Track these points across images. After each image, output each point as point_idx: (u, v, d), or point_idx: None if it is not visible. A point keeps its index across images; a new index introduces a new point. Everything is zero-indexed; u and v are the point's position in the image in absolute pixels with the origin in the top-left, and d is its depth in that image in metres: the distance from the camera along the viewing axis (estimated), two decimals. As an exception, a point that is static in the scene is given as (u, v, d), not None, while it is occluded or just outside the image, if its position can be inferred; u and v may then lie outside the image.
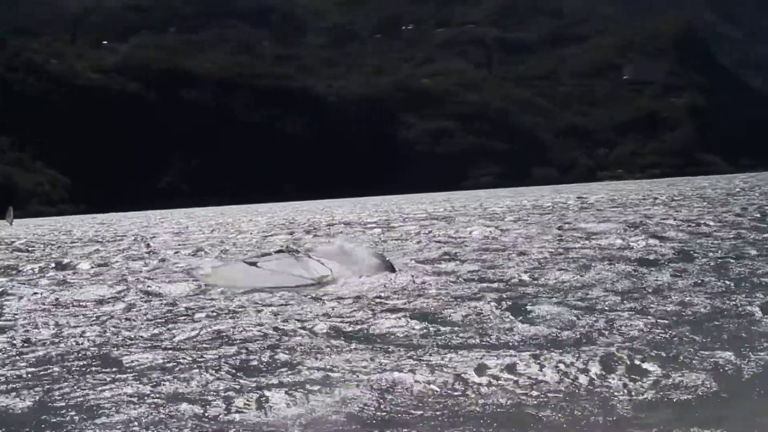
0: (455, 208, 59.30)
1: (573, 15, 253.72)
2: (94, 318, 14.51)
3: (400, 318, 12.31)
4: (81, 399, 8.85)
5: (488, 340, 10.66)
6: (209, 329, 12.44)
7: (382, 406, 8.10)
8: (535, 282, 15.79)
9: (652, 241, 22.21)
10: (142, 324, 13.51)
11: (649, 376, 8.45)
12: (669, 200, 52.92)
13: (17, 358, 11.15)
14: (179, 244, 37.08)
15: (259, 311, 14.12)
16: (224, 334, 12.02)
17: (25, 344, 12.10)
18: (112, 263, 26.91)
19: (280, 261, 18.71)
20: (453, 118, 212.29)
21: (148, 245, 36.96)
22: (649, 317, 11.40)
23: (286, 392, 8.68)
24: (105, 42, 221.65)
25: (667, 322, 11.07)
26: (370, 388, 8.63)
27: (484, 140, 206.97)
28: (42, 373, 10.18)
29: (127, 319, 14.19)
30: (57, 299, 17.43)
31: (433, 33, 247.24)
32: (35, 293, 18.64)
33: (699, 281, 14.70)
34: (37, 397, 9.22)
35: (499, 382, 8.58)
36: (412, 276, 17.21)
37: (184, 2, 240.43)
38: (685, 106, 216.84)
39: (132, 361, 10.47)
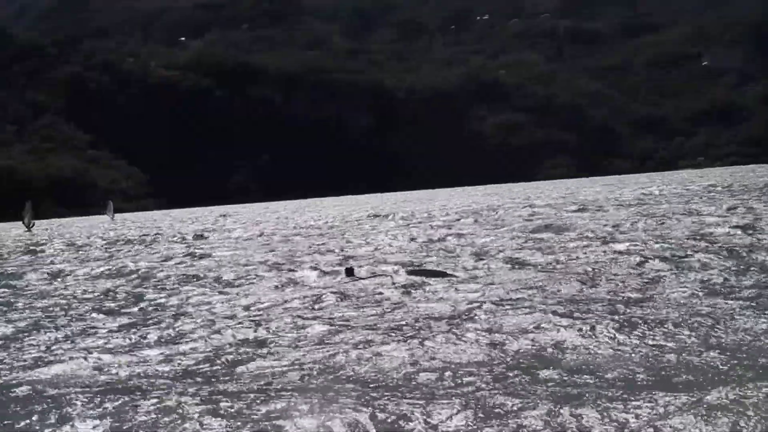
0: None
1: (646, 4, 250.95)
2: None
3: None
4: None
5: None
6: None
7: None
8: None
9: None
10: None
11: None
12: None
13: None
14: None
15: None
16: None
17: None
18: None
19: None
20: (525, 110, 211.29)
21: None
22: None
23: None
24: (178, 40, 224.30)
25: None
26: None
27: (557, 132, 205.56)
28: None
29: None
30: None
31: (505, 25, 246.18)
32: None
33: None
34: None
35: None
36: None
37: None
38: (761, 95, 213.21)
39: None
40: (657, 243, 18.17)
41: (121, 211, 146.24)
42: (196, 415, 7.49)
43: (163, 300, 15.74)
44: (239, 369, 9.25)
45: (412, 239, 25.39)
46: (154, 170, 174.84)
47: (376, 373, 8.48)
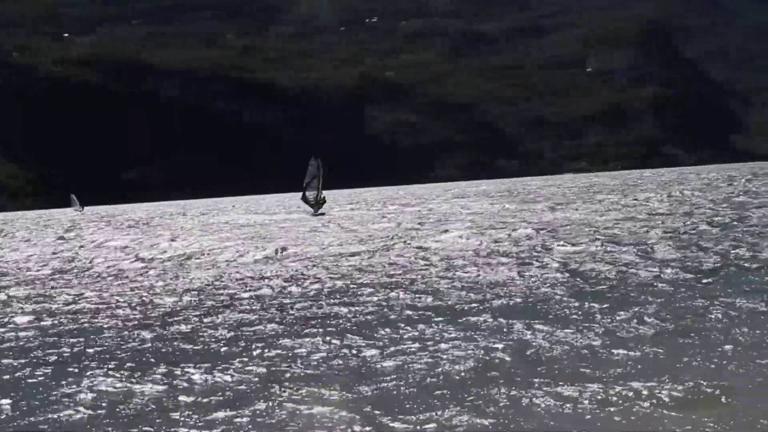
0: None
1: (539, 6, 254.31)
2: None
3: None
4: None
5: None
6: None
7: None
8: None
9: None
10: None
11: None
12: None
13: None
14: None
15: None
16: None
17: None
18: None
19: None
20: (419, 110, 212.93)
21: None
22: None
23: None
24: (68, 34, 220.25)
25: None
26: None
27: (450, 132, 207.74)
28: None
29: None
30: None
31: (399, 24, 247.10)
32: None
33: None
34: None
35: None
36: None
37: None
38: (648, 98, 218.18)
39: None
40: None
41: (3, 210, 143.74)
42: None
43: None
44: None
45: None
46: (42, 167, 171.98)
47: None
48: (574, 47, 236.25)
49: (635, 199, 43.93)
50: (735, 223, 25.67)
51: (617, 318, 12.02)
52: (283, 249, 25.79)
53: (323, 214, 49.44)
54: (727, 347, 9.99)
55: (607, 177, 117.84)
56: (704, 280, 15.04)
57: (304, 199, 52.18)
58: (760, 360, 9.37)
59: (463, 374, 9.58)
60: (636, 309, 12.58)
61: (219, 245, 29.72)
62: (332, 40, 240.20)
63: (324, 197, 51.69)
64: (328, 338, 11.88)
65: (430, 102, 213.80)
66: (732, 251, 18.66)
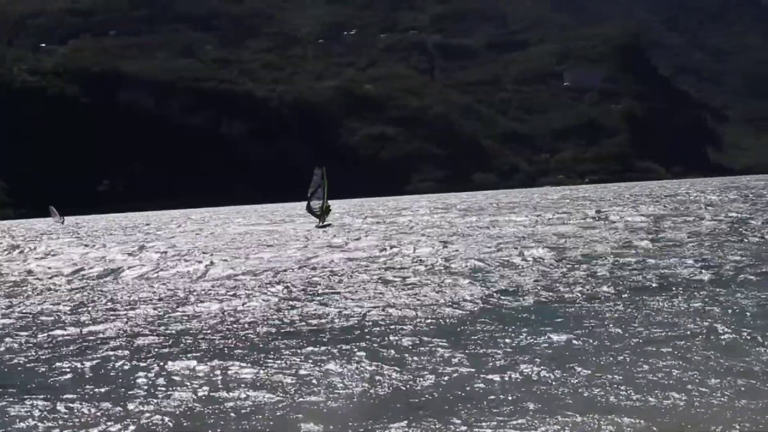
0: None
1: (516, 22, 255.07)
2: None
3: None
4: None
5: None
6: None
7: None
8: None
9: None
10: None
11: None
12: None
13: None
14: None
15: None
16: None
17: None
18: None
19: None
20: (395, 123, 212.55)
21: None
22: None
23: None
24: (44, 45, 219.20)
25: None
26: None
27: (426, 145, 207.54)
28: None
29: None
30: None
31: (377, 38, 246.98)
32: None
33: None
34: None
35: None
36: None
37: (125, 5, 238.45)
38: (622, 113, 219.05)
39: None
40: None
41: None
42: None
43: None
44: None
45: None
46: (16, 178, 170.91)
47: None
48: (550, 62, 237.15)
49: (598, 213, 44.10)
50: (691, 239, 25.78)
51: (551, 339, 12.04)
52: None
53: (329, 225, 48.44)
54: (667, 365, 10.24)
55: (581, 190, 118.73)
56: (646, 298, 15.10)
57: (309, 209, 50.59)
58: (702, 378, 9.62)
59: (420, 392, 9.76)
60: (572, 329, 12.60)
61: (173, 258, 29.69)
62: (310, 52, 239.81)
63: (329, 206, 49.67)
64: (278, 354, 11.90)
65: (406, 115, 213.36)
66: (679, 268, 18.74)
